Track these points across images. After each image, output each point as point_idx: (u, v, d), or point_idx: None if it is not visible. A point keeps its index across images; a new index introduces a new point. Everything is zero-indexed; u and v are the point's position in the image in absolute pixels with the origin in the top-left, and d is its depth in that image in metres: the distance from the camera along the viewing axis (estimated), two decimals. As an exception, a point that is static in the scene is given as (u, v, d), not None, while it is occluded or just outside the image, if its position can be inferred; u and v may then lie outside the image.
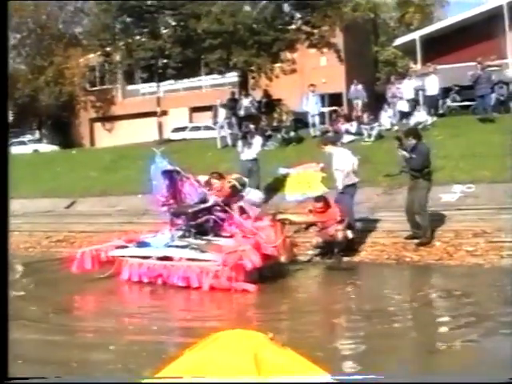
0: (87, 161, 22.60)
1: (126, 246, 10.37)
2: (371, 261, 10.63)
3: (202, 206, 10.43)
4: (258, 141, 14.71)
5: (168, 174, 10.76)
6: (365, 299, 8.31)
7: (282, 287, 9.28)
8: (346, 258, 10.59)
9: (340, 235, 10.44)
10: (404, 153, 10.82)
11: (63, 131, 42.23)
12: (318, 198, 10.75)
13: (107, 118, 43.52)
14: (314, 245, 10.81)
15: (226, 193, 10.50)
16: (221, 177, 10.83)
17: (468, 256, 10.21)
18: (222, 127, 20.82)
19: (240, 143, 14.85)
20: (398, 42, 34.49)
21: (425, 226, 10.81)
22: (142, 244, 10.35)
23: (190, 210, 10.35)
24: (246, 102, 20.78)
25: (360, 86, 23.80)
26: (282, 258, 9.86)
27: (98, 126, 44.30)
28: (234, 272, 8.95)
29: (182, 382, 2.38)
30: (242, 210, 10.44)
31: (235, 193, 10.49)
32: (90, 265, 10.26)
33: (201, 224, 10.29)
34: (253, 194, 10.89)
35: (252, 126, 15.50)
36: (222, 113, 20.85)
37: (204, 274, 9.14)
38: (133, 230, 12.67)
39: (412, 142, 10.81)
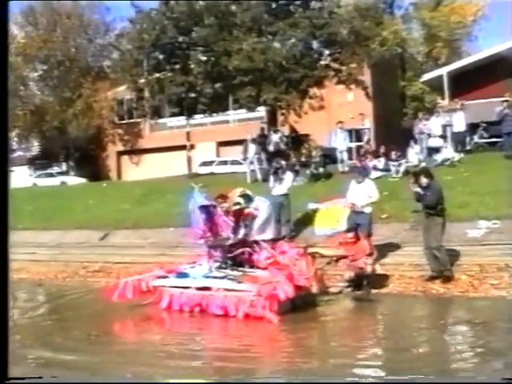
0: (118, 194, 23.65)
1: (167, 277, 11.29)
2: (399, 292, 11.39)
3: (237, 239, 11.29)
4: (289, 176, 15.55)
5: (205, 209, 11.68)
6: (389, 327, 9.15)
7: (312, 316, 10.08)
8: (374, 290, 11.35)
9: (369, 269, 11.24)
10: (418, 189, 11.69)
11: (90, 164, 43.57)
12: (349, 230, 11.65)
13: (135, 151, 44.86)
14: (345, 278, 11.55)
15: (235, 214, 11.41)
16: (225, 197, 11.71)
17: (492, 289, 10.93)
18: (251, 162, 21.83)
19: (271, 179, 15.65)
20: (426, 77, 35.24)
21: (445, 259, 11.54)
22: (182, 275, 11.26)
23: (226, 243, 11.28)
24: (275, 137, 21.78)
25: (366, 120, 24.57)
26: (314, 289, 10.66)
27: (125, 158, 45.65)
28: (268, 302, 9.75)
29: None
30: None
31: (242, 210, 11.35)
32: (132, 294, 11.16)
33: (237, 256, 11.16)
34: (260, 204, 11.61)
35: (283, 162, 16.37)
36: (252, 148, 21.89)
37: (241, 303, 9.97)
38: (167, 261, 13.50)
39: (424, 180, 11.65)
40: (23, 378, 5.16)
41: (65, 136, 43.53)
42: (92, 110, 43.62)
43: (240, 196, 11.54)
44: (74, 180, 38.77)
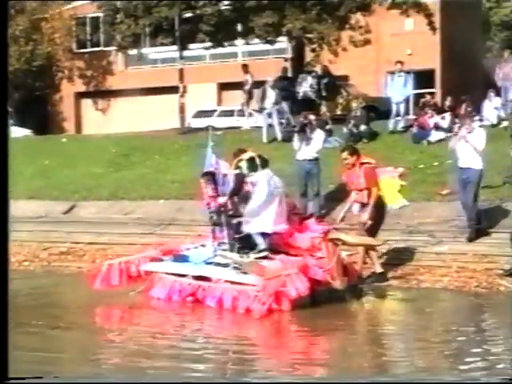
0: (85, 153, 25.41)
1: (162, 260, 13.10)
2: (457, 288, 13.17)
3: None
4: (319, 135, 17.00)
5: (211, 175, 13.43)
6: (434, 333, 10.80)
7: (334, 313, 11.80)
8: (425, 284, 13.25)
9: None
10: None
11: (37, 109, 44.41)
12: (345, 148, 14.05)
13: (101, 94, 46.29)
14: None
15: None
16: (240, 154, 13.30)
17: None
18: (269, 115, 23.23)
19: (296, 138, 17.06)
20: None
21: None
22: (180, 258, 13.06)
23: (233, 221, 12.88)
24: (306, 82, 23.04)
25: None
26: (337, 284, 12.21)
27: (86, 103, 47.22)
28: (275, 300, 11.43)
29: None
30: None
31: (239, 179, 12.88)
32: (117, 280, 12.96)
33: (246, 237, 12.79)
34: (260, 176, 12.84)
35: (312, 117, 17.68)
36: (271, 95, 23.15)
37: (242, 298, 11.68)
38: (157, 242, 15.18)
39: None
40: (23, 378, 6.71)
41: (-2, 68, 44.13)
42: (39, 31, 44.47)
43: (248, 160, 13.03)
44: (13, 131, 39.77)
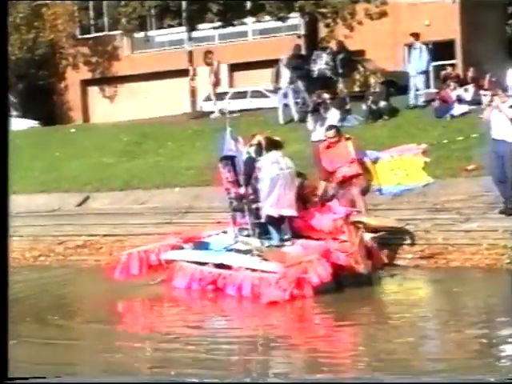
0: (95, 142, 25.68)
1: (182, 247, 13.43)
2: (488, 266, 13.41)
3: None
4: (334, 115, 17.17)
5: (230, 160, 13.72)
6: (462, 314, 11.12)
7: (359, 299, 12.14)
8: (455, 263, 13.45)
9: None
10: None
11: (42, 99, 44.67)
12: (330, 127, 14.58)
13: (108, 80, 46.41)
14: None
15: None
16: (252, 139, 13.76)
17: None
18: (285, 95, 23.34)
19: (310, 118, 17.24)
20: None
21: None
22: (200, 245, 13.44)
23: (253, 206, 13.21)
24: (322, 59, 23.17)
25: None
26: (361, 269, 12.53)
27: (93, 91, 47.35)
28: (297, 286, 11.73)
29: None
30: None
31: (249, 165, 13.26)
32: (137, 269, 13.33)
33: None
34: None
35: (326, 96, 17.70)
36: (286, 74, 23.20)
37: (262, 286, 11.98)
38: (175, 231, 15.46)
39: None
40: (24, 378, 6.94)
41: (1, 57, 44.03)
42: (41, 18, 44.56)
43: (256, 144, 13.46)
44: (19, 123, 39.66)
